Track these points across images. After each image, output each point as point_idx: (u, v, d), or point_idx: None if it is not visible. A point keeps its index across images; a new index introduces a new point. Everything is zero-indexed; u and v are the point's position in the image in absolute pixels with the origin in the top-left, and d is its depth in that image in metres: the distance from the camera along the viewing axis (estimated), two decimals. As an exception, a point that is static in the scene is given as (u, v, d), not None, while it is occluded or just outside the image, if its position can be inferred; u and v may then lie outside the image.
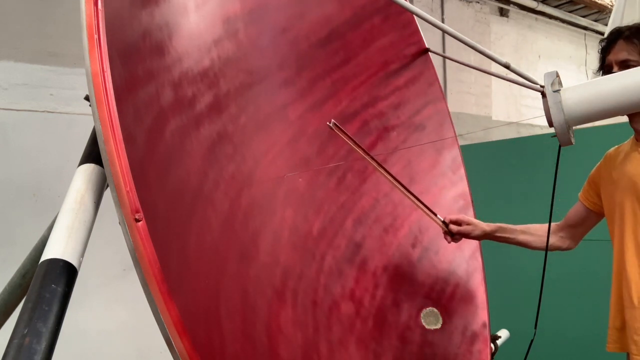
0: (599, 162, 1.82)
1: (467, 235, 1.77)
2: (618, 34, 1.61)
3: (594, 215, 1.81)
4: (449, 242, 1.78)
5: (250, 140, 1.49)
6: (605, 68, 1.63)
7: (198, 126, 1.31)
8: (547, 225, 1.88)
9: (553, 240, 1.85)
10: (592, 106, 1.30)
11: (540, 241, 1.84)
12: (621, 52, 1.58)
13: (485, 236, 1.81)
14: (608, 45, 1.63)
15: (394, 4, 1.60)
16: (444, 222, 1.77)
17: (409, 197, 1.74)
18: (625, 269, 1.60)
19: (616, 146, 1.77)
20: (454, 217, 1.77)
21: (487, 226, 1.80)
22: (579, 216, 1.85)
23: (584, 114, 1.31)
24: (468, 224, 1.76)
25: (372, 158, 1.69)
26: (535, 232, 1.86)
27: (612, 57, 1.61)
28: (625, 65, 1.54)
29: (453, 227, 1.75)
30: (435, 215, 1.76)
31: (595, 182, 1.80)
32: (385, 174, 1.69)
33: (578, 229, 1.86)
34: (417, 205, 1.75)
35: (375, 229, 1.81)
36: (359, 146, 1.64)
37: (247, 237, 1.37)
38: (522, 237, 1.85)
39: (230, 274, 1.26)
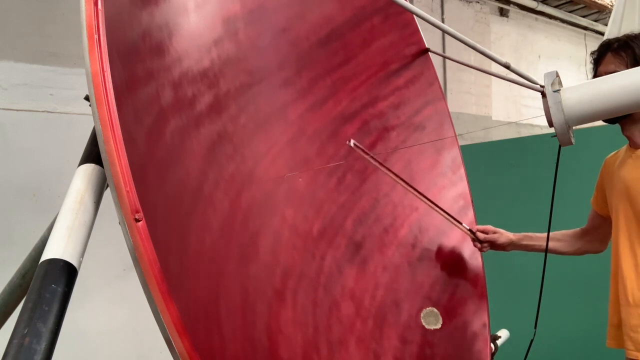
0: (602, 167, 1.87)
1: (494, 243, 1.85)
2: (607, 47, 1.67)
3: (606, 220, 1.85)
4: (478, 249, 1.87)
5: (250, 140, 1.49)
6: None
7: (198, 126, 1.31)
8: (572, 230, 1.97)
9: (580, 244, 1.92)
10: (592, 106, 1.30)
11: (569, 246, 1.92)
12: (609, 64, 1.64)
13: (512, 244, 1.88)
14: (599, 57, 1.70)
15: (394, 4, 1.60)
16: (470, 230, 1.85)
17: (437, 211, 1.81)
18: (621, 268, 1.66)
19: (614, 152, 1.82)
20: (481, 227, 1.87)
21: (513, 235, 1.88)
22: (594, 222, 1.91)
23: (584, 114, 1.31)
24: (494, 232, 1.85)
25: (398, 176, 1.73)
26: (562, 237, 1.93)
27: (602, 68, 1.67)
28: None
29: (480, 235, 1.83)
30: (461, 224, 1.84)
31: (601, 187, 1.85)
32: (414, 191, 1.76)
33: (599, 232, 1.91)
34: (446, 217, 1.83)
35: (375, 229, 1.80)
36: (382, 165, 1.69)
37: (247, 237, 1.37)
38: (549, 244, 1.88)
39: (230, 274, 1.26)
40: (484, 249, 1.88)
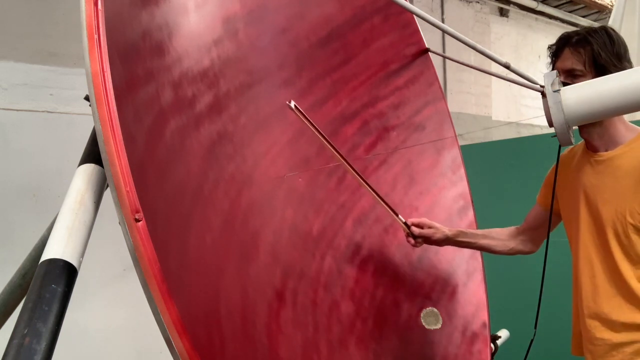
0: (554, 165, 1.75)
1: (429, 239, 1.74)
2: (566, 41, 1.55)
3: (554, 217, 1.76)
4: (412, 245, 1.75)
5: (250, 140, 1.49)
6: None
7: (198, 126, 1.31)
8: (507, 229, 1.87)
9: (514, 244, 1.83)
10: (592, 106, 1.30)
11: (503, 245, 1.82)
12: (567, 60, 1.53)
13: (447, 240, 1.78)
14: (557, 51, 1.58)
15: (394, 4, 1.60)
16: (405, 223, 1.73)
17: (378, 200, 1.68)
18: (579, 278, 1.58)
19: (569, 148, 1.71)
20: (415, 220, 1.74)
21: (448, 230, 1.77)
22: (538, 219, 1.80)
23: (584, 114, 1.31)
24: (430, 227, 1.74)
25: (335, 149, 1.56)
26: (497, 236, 1.84)
27: (559, 64, 1.55)
28: (571, 74, 1.50)
29: (415, 230, 1.72)
30: (397, 215, 1.71)
31: (551, 184, 1.74)
32: (354, 172, 1.61)
33: (539, 231, 1.82)
34: (383, 205, 1.69)
35: (375, 229, 1.81)
36: (319, 131, 1.51)
37: (247, 237, 1.37)
38: (483, 242, 1.82)
39: (230, 274, 1.26)
40: (418, 245, 1.74)
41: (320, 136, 1.52)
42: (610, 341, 1.48)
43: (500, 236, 1.84)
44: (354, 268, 1.70)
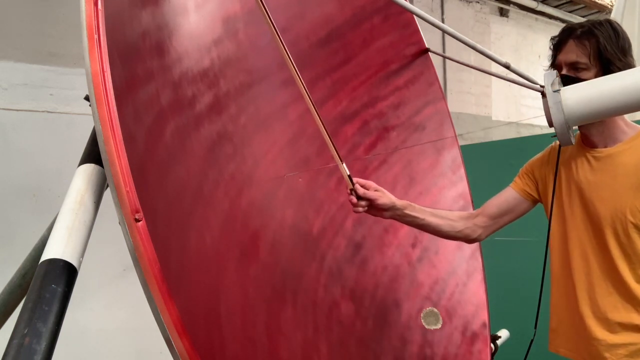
0: (541, 153, 1.71)
1: (374, 202, 1.54)
2: (569, 33, 1.49)
3: (527, 205, 1.70)
4: (353, 206, 1.53)
5: (250, 140, 1.49)
6: (555, 67, 1.52)
7: (198, 126, 1.31)
8: (457, 212, 1.79)
9: (463, 227, 1.70)
10: (592, 106, 1.30)
11: (450, 226, 1.69)
12: (571, 53, 1.47)
13: (393, 209, 1.59)
14: (559, 43, 1.52)
15: (394, 4, 1.60)
16: (350, 177, 1.49)
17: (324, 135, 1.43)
18: (572, 276, 1.53)
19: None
20: (362, 180, 1.55)
21: (396, 199, 1.61)
22: (507, 205, 1.70)
23: (584, 114, 1.31)
24: (376, 190, 1.55)
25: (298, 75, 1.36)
26: (445, 216, 1.72)
27: (562, 57, 1.50)
28: (574, 67, 1.46)
29: (359, 189, 1.52)
30: (342, 163, 1.47)
31: (533, 173, 1.69)
32: (298, 79, 1.39)
33: (499, 219, 1.72)
34: (328, 144, 1.44)
35: (375, 229, 1.81)
36: (277, 34, 1.32)
37: (247, 237, 1.37)
38: (431, 219, 1.67)
39: (230, 273, 1.26)
40: (359, 208, 1.53)
41: (280, 45, 1.31)
42: (605, 342, 1.46)
43: (450, 216, 1.72)
44: (354, 268, 1.70)
